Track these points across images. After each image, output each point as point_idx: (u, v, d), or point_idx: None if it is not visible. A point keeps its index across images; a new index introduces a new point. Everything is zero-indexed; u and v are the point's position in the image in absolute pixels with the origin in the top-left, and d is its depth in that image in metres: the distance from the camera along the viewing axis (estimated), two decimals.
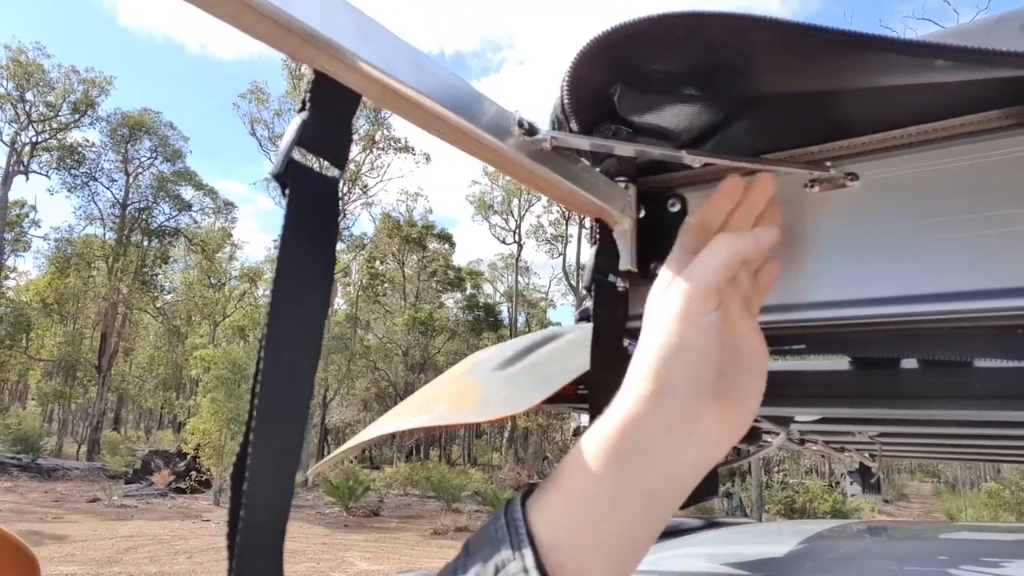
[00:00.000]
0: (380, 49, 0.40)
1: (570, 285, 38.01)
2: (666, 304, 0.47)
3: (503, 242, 40.84)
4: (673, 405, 0.44)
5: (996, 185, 0.53)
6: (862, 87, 0.54)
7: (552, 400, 0.68)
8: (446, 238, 41.33)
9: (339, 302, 37.37)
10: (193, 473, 21.06)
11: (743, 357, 0.49)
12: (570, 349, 0.73)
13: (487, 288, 44.58)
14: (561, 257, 39.55)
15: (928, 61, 0.45)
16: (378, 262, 39.24)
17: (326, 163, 0.39)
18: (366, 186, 34.86)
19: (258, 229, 79.63)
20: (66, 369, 33.81)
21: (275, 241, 0.35)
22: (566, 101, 0.55)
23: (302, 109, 0.39)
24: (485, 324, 40.01)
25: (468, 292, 42.64)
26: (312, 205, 0.39)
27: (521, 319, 42.51)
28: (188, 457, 20.65)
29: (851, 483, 2.08)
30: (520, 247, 40.47)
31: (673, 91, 0.57)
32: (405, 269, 40.09)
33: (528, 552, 0.40)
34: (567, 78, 0.53)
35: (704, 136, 0.62)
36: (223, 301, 39.50)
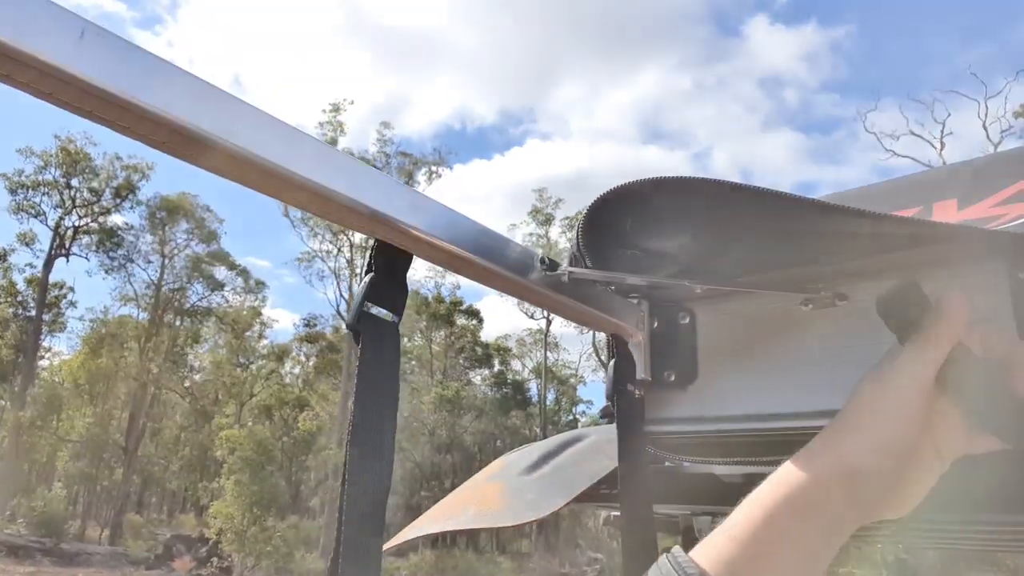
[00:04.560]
0: (427, 218, 0.48)
1: (600, 361, 37.31)
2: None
3: (531, 317, 40.60)
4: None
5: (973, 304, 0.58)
6: (841, 231, 0.61)
7: (577, 501, 0.74)
8: (474, 314, 41.25)
9: None
10: (215, 559, 20.34)
11: None
12: (590, 453, 0.75)
13: (515, 364, 44.05)
14: (591, 332, 39.02)
15: (884, 223, 0.53)
16: (405, 339, 38.97)
17: (389, 312, 0.49)
18: None
19: (282, 305, 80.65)
20: (93, 450, 33.65)
21: (355, 371, 0.46)
22: (581, 243, 0.61)
23: (368, 271, 0.48)
24: (513, 402, 39.26)
25: (496, 369, 42.12)
26: (380, 344, 0.48)
27: (551, 396, 41.71)
28: (210, 543, 20.00)
29: None
30: (549, 322, 40.14)
31: (677, 226, 0.63)
32: (432, 346, 39.86)
33: None
34: (583, 223, 0.60)
35: (709, 259, 0.68)
36: (250, 380, 39.48)
